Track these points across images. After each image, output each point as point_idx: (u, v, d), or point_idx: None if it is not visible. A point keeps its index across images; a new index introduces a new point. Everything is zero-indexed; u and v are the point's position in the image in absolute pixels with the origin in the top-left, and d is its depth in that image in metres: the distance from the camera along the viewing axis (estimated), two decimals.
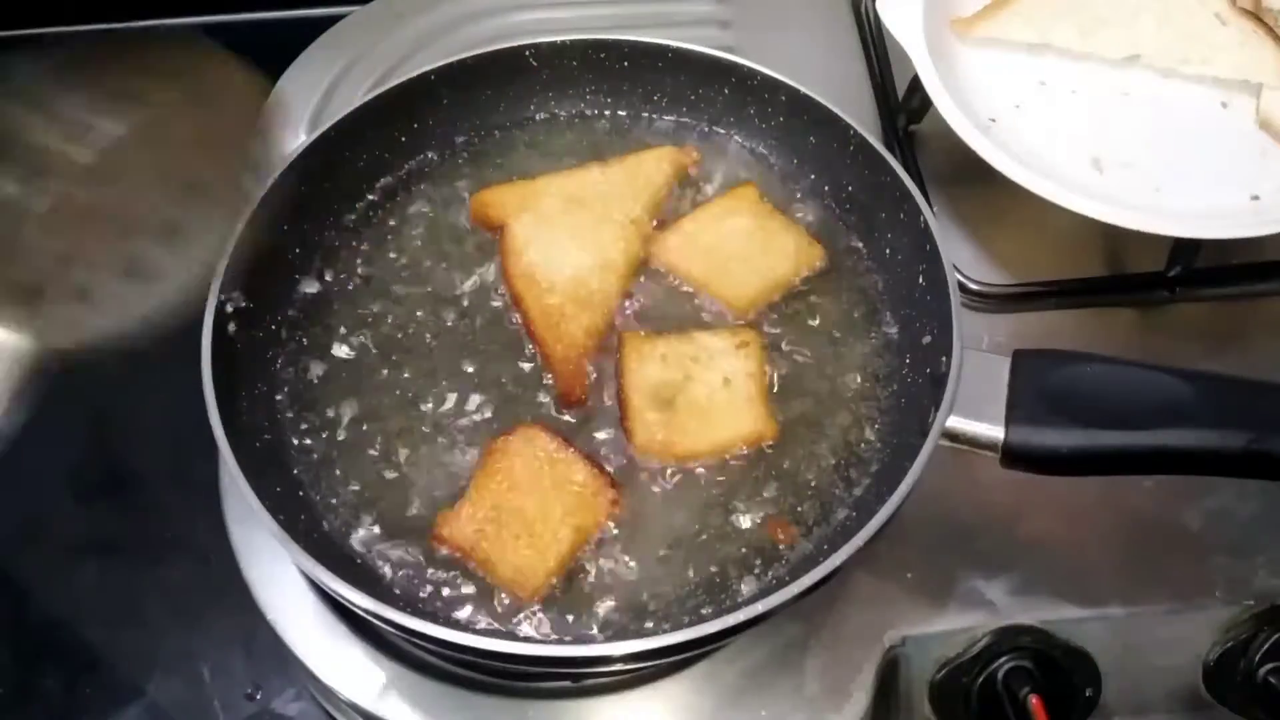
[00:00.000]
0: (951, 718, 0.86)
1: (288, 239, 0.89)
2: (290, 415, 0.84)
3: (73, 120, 1.22)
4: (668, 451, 0.81)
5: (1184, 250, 0.96)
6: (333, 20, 1.20)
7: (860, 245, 0.92)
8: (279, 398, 0.84)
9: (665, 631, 0.69)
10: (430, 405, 0.84)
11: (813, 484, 0.81)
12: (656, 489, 0.80)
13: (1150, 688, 0.87)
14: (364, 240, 0.93)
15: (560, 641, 0.74)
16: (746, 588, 0.77)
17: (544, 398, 0.84)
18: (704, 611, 0.75)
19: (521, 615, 0.76)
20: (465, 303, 0.89)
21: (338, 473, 0.81)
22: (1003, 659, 0.83)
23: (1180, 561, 0.86)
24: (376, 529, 0.79)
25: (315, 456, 0.82)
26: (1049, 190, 0.91)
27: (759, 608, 0.68)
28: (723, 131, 0.99)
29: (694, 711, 0.80)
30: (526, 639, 0.74)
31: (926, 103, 1.00)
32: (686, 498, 0.80)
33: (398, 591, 0.76)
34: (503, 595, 0.76)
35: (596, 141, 0.99)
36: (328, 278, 0.90)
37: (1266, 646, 0.84)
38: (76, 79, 1.28)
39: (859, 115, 0.93)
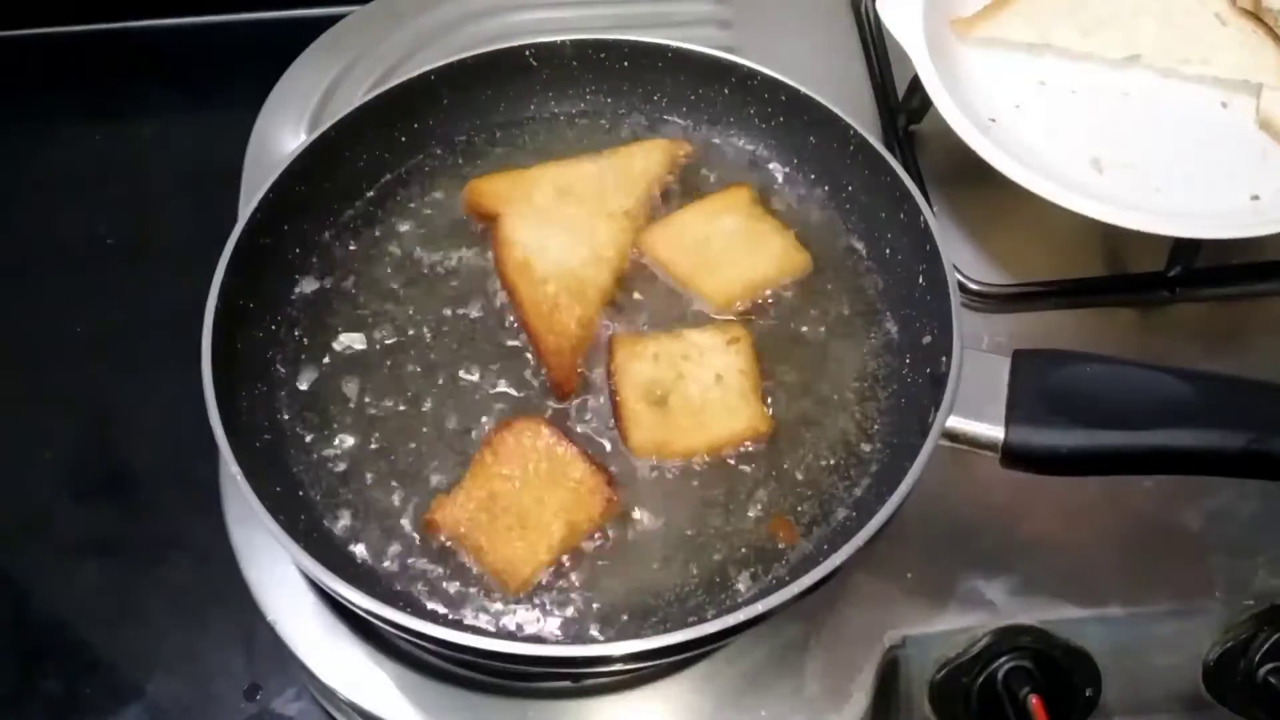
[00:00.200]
0: (951, 718, 0.86)
1: (288, 239, 0.89)
2: (290, 415, 0.84)
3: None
4: (664, 450, 0.81)
5: (1184, 250, 0.96)
6: (333, 20, 1.20)
7: (860, 245, 0.92)
8: (279, 398, 0.84)
9: (665, 631, 0.69)
10: (430, 404, 0.84)
11: (813, 484, 0.81)
12: (656, 489, 0.80)
13: (1150, 688, 0.87)
14: (364, 240, 0.93)
15: (560, 641, 0.74)
16: (746, 588, 0.77)
17: (544, 397, 0.84)
18: (704, 611, 0.76)
19: (522, 615, 0.76)
20: (465, 301, 0.89)
21: (338, 472, 0.81)
22: (1003, 659, 0.83)
23: (1180, 561, 0.86)
24: (376, 529, 0.79)
25: (315, 456, 0.82)
26: (1049, 190, 0.91)
27: (759, 608, 0.68)
28: (723, 131, 0.99)
29: (694, 711, 0.80)
30: (526, 639, 0.74)
31: (926, 103, 1.00)
32: (686, 498, 0.80)
33: (397, 591, 0.76)
34: (503, 595, 0.76)
35: (596, 141, 0.99)
36: (327, 277, 0.90)
37: (1266, 646, 0.84)
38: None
39: (859, 115, 0.93)
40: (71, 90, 1.29)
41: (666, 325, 0.88)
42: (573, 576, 0.77)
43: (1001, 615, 0.83)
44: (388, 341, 0.87)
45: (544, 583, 0.77)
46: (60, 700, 0.91)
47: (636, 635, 0.73)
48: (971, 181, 0.99)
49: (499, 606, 0.76)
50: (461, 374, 0.86)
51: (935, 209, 0.93)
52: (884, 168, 0.88)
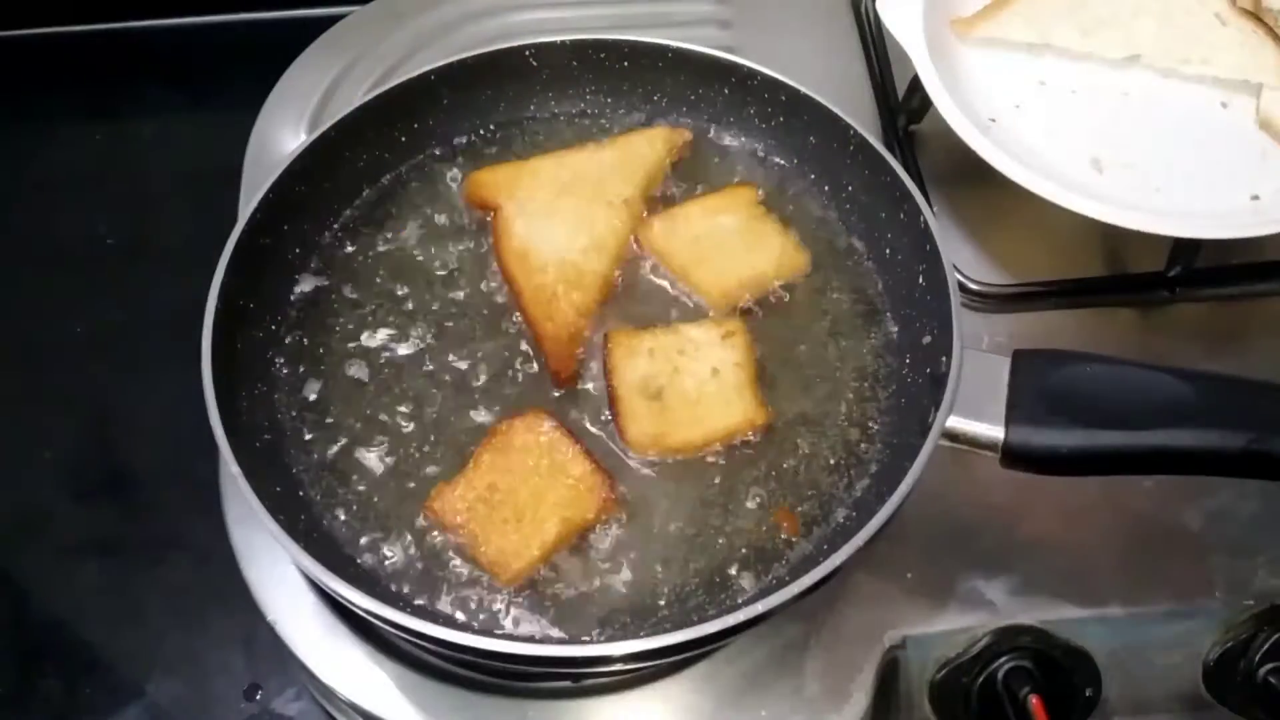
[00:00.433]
0: (951, 718, 0.86)
1: (288, 239, 0.89)
2: (290, 415, 0.84)
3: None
4: (661, 444, 0.81)
5: (1184, 250, 0.96)
6: (333, 20, 1.21)
7: (860, 245, 0.92)
8: (279, 398, 0.84)
9: (665, 631, 0.69)
10: (430, 403, 0.84)
11: (812, 484, 0.81)
12: (656, 488, 0.80)
13: (1150, 688, 0.87)
14: (364, 240, 0.93)
15: (560, 641, 0.74)
16: (746, 587, 0.77)
17: (545, 394, 0.84)
18: (704, 611, 0.76)
19: (522, 615, 0.76)
20: (465, 301, 0.89)
21: (338, 472, 0.81)
22: (1003, 659, 0.83)
23: (1180, 561, 0.86)
24: (377, 529, 0.79)
25: (315, 456, 0.82)
26: (1049, 190, 0.91)
27: (759, 608, 0.68)
28: (723, 131, 0.99)
29: (694, 711, 0.80)
30: (527, 639, 0.74)
31: (926, 103, 1.00)
32: (686, 497, 0.80)
33: (397, 591, 0.76)
34: (503, 595, 0.76)
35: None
36: (328, 278, 0.90)
37: (1266, 646, 0.84)
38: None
39: (859, 115, 0.93)
40: (71, 90, 1.29)
41: (664, 321, 0.87)
42: (573, 576, 0.77)
43: (1001, 615, 0.83)
44: (388, 341, 0.87)
45: (544, 583, 0.77)
46: (60, 700, 0.91)
47: (636, 635, 0.73)
48: (971, 181, 0.99)
49: (499, 606, 0.76)
50: (461, 374, 0.86)
51: (935, 209, 0.93)
52: (884, 168, 0.88)
